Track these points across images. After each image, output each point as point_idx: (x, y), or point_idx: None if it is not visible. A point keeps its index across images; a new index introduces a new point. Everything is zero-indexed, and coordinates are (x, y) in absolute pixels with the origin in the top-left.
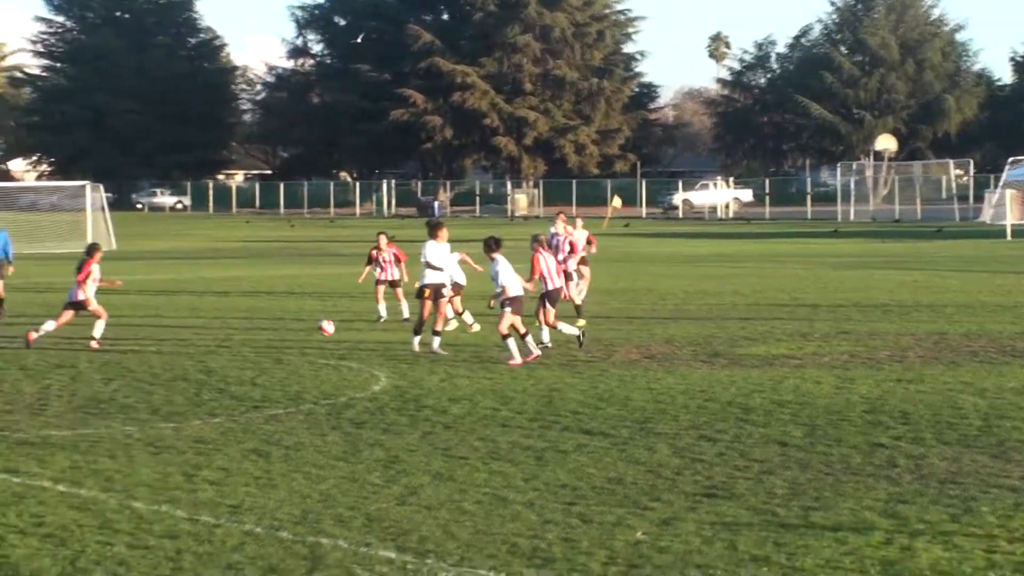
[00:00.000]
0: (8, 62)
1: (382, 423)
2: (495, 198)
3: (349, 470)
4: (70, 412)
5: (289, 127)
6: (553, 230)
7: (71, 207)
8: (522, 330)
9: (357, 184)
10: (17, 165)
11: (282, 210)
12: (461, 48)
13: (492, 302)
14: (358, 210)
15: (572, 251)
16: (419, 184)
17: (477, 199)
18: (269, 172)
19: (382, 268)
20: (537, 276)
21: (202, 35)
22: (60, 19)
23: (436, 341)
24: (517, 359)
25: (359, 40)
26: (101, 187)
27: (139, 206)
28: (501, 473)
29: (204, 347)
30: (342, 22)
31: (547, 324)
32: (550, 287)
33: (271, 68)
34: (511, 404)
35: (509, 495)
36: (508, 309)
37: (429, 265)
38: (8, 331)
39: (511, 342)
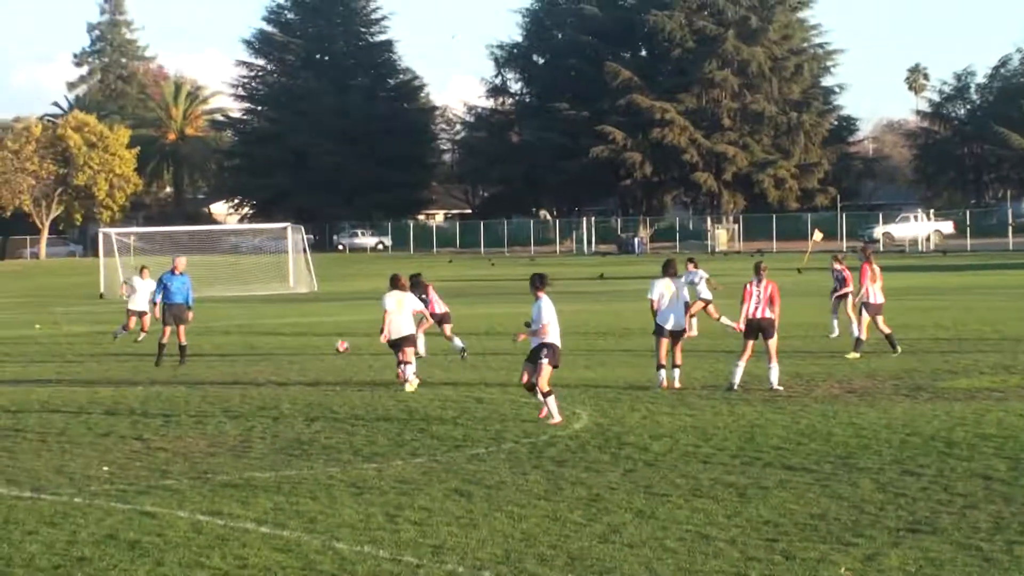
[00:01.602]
0: (210, 105)
1: (583, 461)
2: (695, 234)
3: (551, 508)
4: (273, 454)
5: (489, 166)
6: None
7: (273, 249)
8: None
9: (557, 222)
10: (219, 208)
11: (482, 249)
12: (659, 84)
13: (520, 336)
14: (558, 248)
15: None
16: (619, 221)
17: (677, 235)
18: (469, 211)
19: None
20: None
21: (402, 76)
22: (260, 62)
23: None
24: (557, 417)
25: (558, 78)
26: (302, 228)
27: (340, 247)
28: (703, 510)
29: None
30: (541, 60)
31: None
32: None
33: (471, 108)
34: (712, 440)
35: (711, 532)
36: (546, 360)
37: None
38: (208, 373)
39: (552, 400)
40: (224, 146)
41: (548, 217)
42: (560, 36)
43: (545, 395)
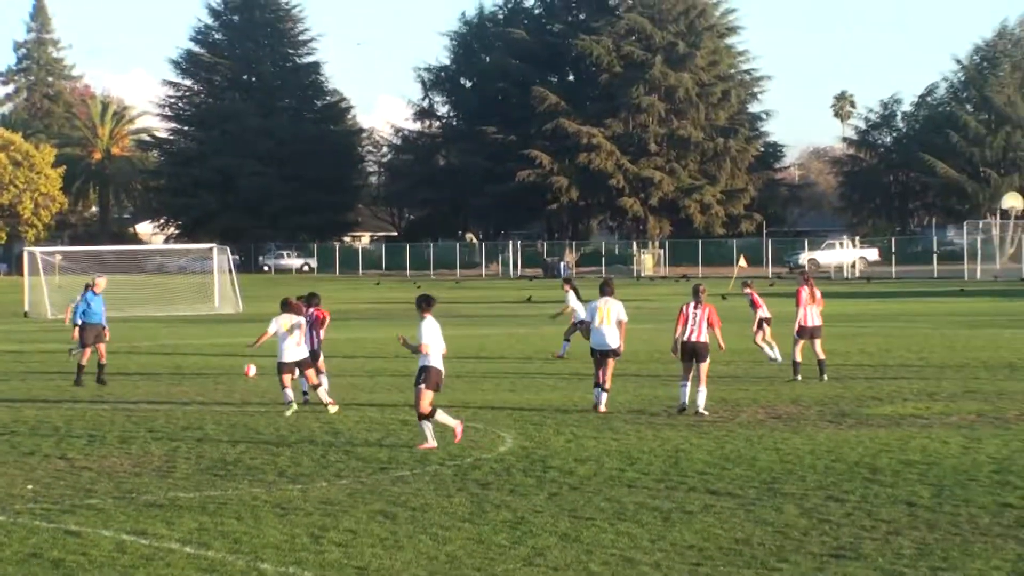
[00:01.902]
0: (136, 125)
1: (508, 484)
2: (621, 258)
3: (475, 531)
4: (197, 474)
5: (415, 189)
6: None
7: (199, 269)
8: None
9: (483, 245)
10: (145, 228)
11: (408, 272)
12: (587, 109)
13: (402, 340)
14: (484, 271)
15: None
16: (545, 245)
17: (603, 259)
18: (395, 234)
19: None
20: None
21: (328, 98)
22: (188, 83)
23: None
24: (432, 443)
25: (485, 101)
26: (228, 249)
27: (266, 268)
28: (628, 534)
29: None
30: (468, 84)
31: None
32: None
33: (397, 130)
34: (637, 465)
35: (636, 556)
36: (422, 385)
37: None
38: (133, 393)
39: (426, 424)
40: (150, 166)
41: (474, 240)
42: (488, 59)
43: (421, 418)
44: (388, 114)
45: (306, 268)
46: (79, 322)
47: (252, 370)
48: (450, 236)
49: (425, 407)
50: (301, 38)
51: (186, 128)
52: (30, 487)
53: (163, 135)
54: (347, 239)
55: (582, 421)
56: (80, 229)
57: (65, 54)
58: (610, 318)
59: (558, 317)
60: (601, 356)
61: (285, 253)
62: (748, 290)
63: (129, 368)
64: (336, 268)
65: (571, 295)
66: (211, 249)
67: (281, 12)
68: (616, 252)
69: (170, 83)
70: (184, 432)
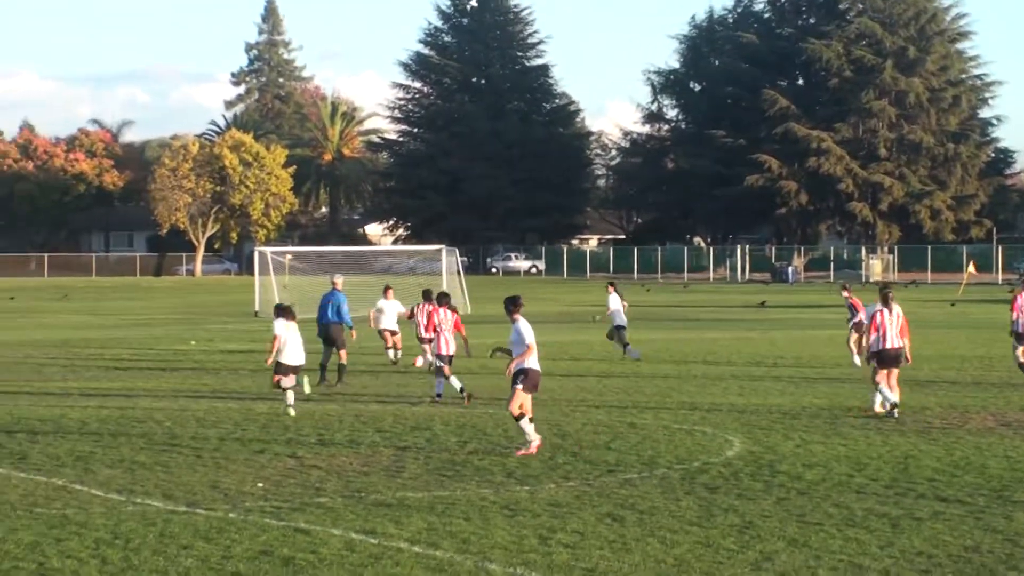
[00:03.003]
0: (365, 126)
1: (736, 488)
2: (849, 263)
3: (703, 535)
4: (426, 474)
5: (643, 192)
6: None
7: (427, 271)
8: (529, 413)
9: (711, 249)
10: (374, 229)
11: (636, 275)
12: (816, 113)
13: (496, 353)
14: (712, 275)
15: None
16: (773, 249)
17: (831, 264)
18: (623, 237)
19: None
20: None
21: (557, 101)
22: (417, 85)
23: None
24: (534, 444)
25: (714, 105)
26: (456, 251)
27: (494, 270)
28: (856, 540)
29: (559, 411)
30: (697, 87)
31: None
32: (886, 346)
33: (626, 133)
34: (866, 471)
35: (864, 562)
36: (520, 386)
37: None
38: (362, 392)
39: (525, 423)
40: (380, 167)
41: (702, 244)
42: (717, 63)
43: (516, 419)
44: (617, 117)
45: (534, 270)
46: (352, 323)
47: (419, 361)
48: (678, 240)
49: (516, 409)
50: (530, 41)
51: (415, 130)
52: (260, 485)
53: (392, 137)
54: (575, 242)
55: (810, 426)
56: (310, 229)
57: (296, 56)
58: (895, 324)
59: (599, 320)
60: (887, 363)
61: (513, 255)
62: (846, 293)
63: (356, 367)
64: (564, 271)
65: (613, 297)
66: (439, 250)
67: (510, 15)
68: (844, 257)
69: (400, 85)
70: (413, 432)
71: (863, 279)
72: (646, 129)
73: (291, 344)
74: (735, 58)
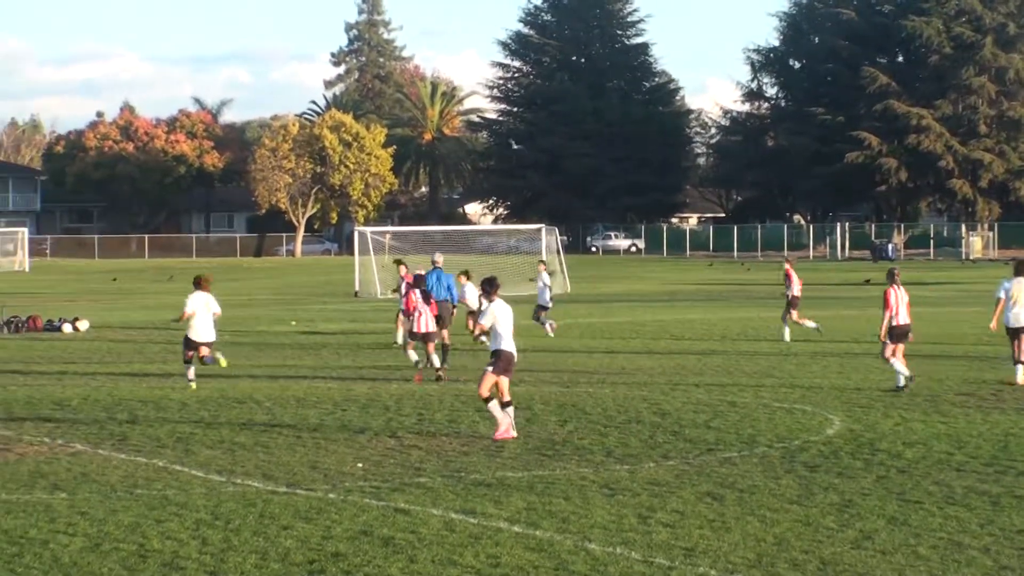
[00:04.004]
0: (465, 106)
1: (836, 467)
2: (949, 241)
3: (803, 514)
4: (525, 453)
5: (743, 170)
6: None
7: (527, 250)
8: (506, 397)
9: (811, 227)
10: (473, 208)
11: (735, 253)
12: (916, 90)
13: (476, 331)
14: (811, 253)
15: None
16: (872, 227)
17: (931, 242)
18: (723, 215)
19: None
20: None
21: (657, 79)
22: (517, 64)
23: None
24: (504, 427)
25: (814, 83)
26: (556, 230)
27: (593, 249)
28: (956, 518)
29: (658, 389)
30: (797, 65)
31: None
32: (898, 322)
33: (726, 112)
34: (965, 448)
35: (964, 540)
36: (490, 368)
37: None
38: (462, 372)
39: (493, 406)
40: (479, 147)
41: (802, 222)
42: (817, 40)
43: (484, 400)
44: (717, 95)
45: (633, 249)
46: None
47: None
48: (777, 217)
49: (485, 391)
50: (630, 19)
51: (515, 109)
52: (360, 465)
53: (492, 116)
54: (675, 220)
55: (911, 404)
56: (409, 209)
57: (396, 35)
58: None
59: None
60: (1015, 332)
61: (613, 234)
62: (787, 265)
63: (457, 347)
64: (664, 249)
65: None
66: (539, 230)
67: None
68: (944, 234)
69: (499, 64)
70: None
71: (963, 256)
72: (746, 107)
73: (200, 318)
74: (835, 35)
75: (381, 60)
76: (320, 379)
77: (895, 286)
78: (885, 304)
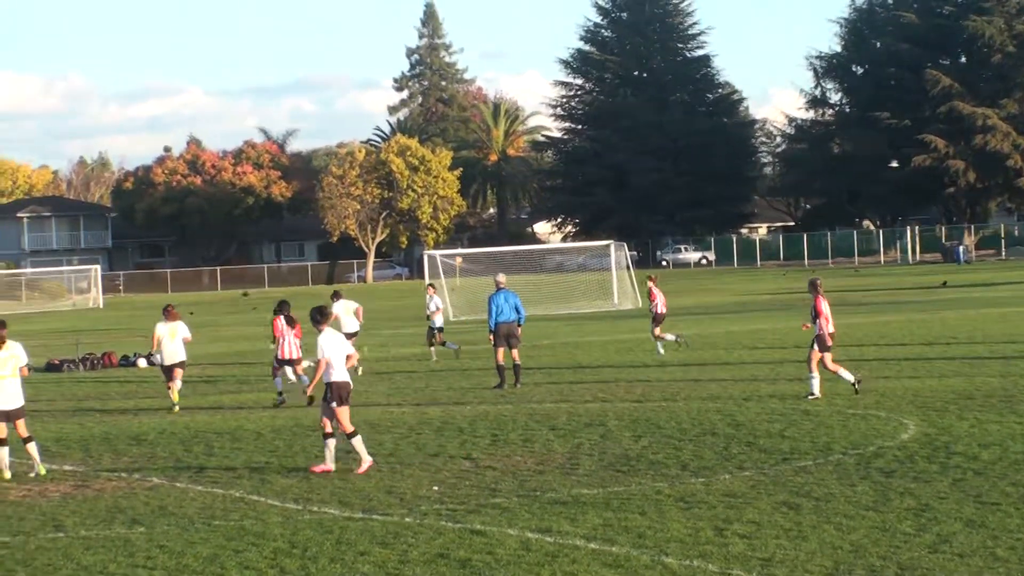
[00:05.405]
0: (529, 125)
1: (912, 471)
2: (1020, 240)
3: (879, 520)
4: (600, 470)
5: (810, 178)
6: None
7: (597, 266)
8: (328, 428)
9: (880, 232)
10: (542, 227)
11: (806, 261)
12: (980, 90)
13: (308, 390)
14: (882, 258)
15: None
16: (943, 229)
17: (1002, 242)
18: (792, 224)
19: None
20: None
21: (720, 90)
22: (579, 81)
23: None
24: (366, 460)
25: (877, 87)
26: (625, 245)
27: (664, 262)
28: None
29: (732, 400)
30: (860, 70)
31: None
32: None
33: (791, 120)
34: None
35: None
36: (335, 403)
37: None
38: (535, 391)
39: (358, 441)
40: (545, 166)
41: (871, 227)
42: (878, 45)
43: (349, 436)
44: (781, 104)
45: (704, 261)
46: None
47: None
48: (846, 224)
49: (349, 426)
50: (690, 32)
51: (579, 127)
52: (436, 488)
53: (556, 135)
54: (744, 231)
55: (985, 405)
56: (479, 231)
57: (457, 58)
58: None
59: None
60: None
61: (683, 247)
62: (651, 283)
63: (530, 365)
64: (735, 260)
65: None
66: (608, 246)
67: (669, 7)
68: (1016, 234)
69: (562, 83)
70: (586, 428)
71: None
72: (810, 115)
73: (167, 344)
74: (896, 39)
75: (443, 83)
76: (394, 404)
77: (821, 295)
78: (818, 313)
